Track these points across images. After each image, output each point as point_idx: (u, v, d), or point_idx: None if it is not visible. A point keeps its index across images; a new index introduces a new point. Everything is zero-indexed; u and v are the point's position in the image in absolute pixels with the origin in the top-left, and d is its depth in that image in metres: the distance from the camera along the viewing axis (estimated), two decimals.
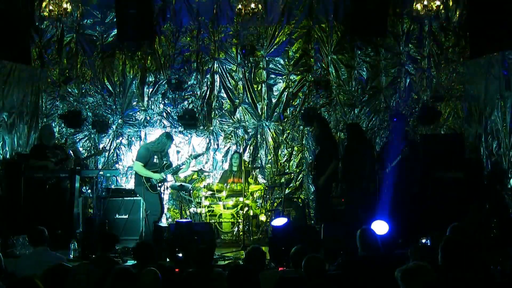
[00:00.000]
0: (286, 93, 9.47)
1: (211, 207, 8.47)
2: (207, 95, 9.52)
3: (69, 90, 9.49)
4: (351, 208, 7.86)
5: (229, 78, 9.51)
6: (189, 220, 7.92)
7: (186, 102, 9.50)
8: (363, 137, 8.28)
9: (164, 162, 7.79)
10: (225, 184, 8.55)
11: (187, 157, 8.18)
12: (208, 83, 9.52)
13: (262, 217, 8.56)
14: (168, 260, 6.54)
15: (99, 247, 5.44)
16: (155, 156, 7.69)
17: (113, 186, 9.01)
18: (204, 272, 4.52)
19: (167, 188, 8.37)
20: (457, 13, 9.10)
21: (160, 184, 7.74)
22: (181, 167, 7.94)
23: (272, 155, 9.43)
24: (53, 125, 9.25)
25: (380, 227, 5.91)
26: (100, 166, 9.24)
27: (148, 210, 7.86)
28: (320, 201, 8.13)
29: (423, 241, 4.39)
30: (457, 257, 3.75)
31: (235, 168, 8.80)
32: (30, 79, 9.07)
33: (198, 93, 9.51)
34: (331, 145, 8.11)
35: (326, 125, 8.33)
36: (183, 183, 8.64)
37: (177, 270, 5.00)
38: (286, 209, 8.58)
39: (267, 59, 9.48)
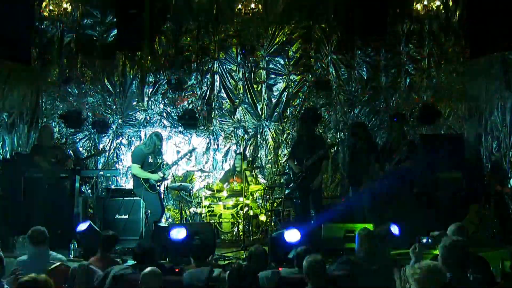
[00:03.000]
0: (286, 93, 9.47)
1: (211, 207, 8.47)
2: (207, 95, 9.52)
3: (69, 90, 9.49)
4: (356, 207, 7.82)
5: (229, 78, 9.51)
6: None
7: (186, 102, 9.50)
8: (369, 137, 8.24)
9: (159, 161, 7.78)
10: (225, 184, 8.55)
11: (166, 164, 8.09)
12: (208, 83, 9.53)
13: (262, 217, 8.56)
14: (168, 260, 6.54)
15: (99, 247, 5.45)
16: (149, 156, 7.69)
17: (113, 186, 9.01)
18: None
19: (166, 188, 8.38)
20: (457, 13, 9.11)
21: (159, 184, 7.74)
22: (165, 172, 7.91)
23: (272, 155, 9.43)
24: (53, 125, 9.26)
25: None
26: (100, 166, 9.25)
27: (148, 211, 7.86)
28: (317, 202, 8.09)
29: (424, 240, 4.38)
30: (457, 257, 3.74)
31: (238, 169, 8.78)
32: (30, 79, 9.07)
33: (198, 93, 9.52)
34: (322, 143, 8.10)
35: (311, 123, 8.27)
36: (182, 183, 8.64)
37: (177, 270, 5.00)
38: (286, 209, 8.58)
39: (267, 59, 9.48)
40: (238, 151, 9.17)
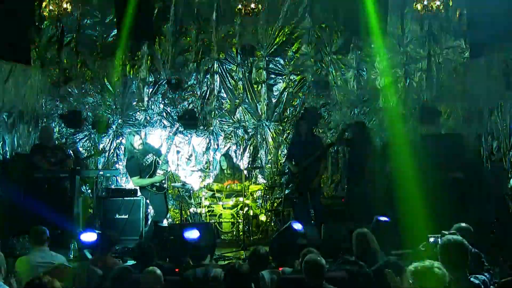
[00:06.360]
0: (286, 93, 9.47)
1: (211, 207, 8.47)
2: (207, 95, 9.52)
3: (69, 90, 9.48)
4: (353, 207, 7.83)
5: (229, 78, 9.51)
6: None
7: (186, 102, 9.50)
8: (367, 136, 8.23)
9: (150, 159, 7.72)
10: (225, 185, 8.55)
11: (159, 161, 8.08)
12: (208, 83, 9.53)
13: (262, 217, 8.56)
14: (168, 260, 6.54)
15: (99, 247, 5.46)
16: (141, 161, 7.63)
17: (113, 186, 9.01)
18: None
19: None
20: (457, 13, 9.11)
21: (163, 182, 7.72)
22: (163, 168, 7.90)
23: (272, 155, 9.43)
24: (53, 125, 9.26)
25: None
26: (100, 166, 9.25)
27: (149, 211, 7.86)
28: (317, 201, 8.09)
29: (431, 240, 4.38)
30: (456, 256, 3.74)
31: (226, 171, 8.77)
32: (30, 79, 9.06)
33: (198, 93, 9.52)
34: (320, 143, 8.09)
35: (310, 123, 8.29)
36: (184, 183, 8.64)
37: (177, 270, 5.01)
38: (286, 209, 8.58)
39: (267, 59, 9.48)
40: (221, 153, 9.16)
